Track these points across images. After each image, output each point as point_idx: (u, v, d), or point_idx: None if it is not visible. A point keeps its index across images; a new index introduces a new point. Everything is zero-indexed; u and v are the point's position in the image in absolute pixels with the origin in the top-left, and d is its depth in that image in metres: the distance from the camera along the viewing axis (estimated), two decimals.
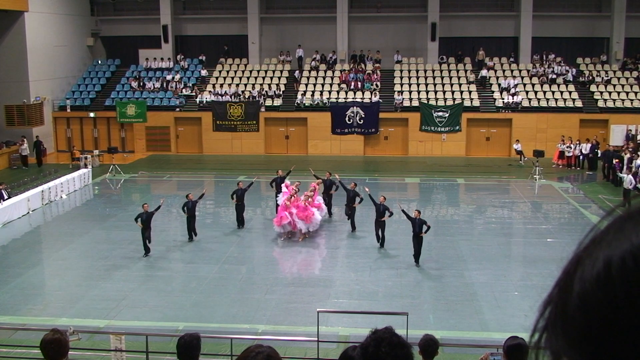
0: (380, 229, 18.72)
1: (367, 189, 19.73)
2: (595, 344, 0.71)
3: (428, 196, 27.25)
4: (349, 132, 35.01)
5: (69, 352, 5.25)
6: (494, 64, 38.72)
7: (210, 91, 37.58)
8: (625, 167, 26.63)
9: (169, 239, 19.67)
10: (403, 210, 17.72)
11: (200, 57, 40.40)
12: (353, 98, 36.56)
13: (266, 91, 37.41)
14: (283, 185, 21.39)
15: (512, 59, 38.90)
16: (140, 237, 18.33)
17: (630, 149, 28.29)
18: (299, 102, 36.73)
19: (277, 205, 20.93)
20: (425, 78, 38.06)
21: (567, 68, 37.60)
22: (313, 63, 39.14)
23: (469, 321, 14.14)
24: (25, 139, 32.87)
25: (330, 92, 37.38)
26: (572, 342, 0.74)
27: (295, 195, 19.91)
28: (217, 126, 35.34)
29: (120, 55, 41.41)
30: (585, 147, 31.40)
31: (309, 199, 19.79)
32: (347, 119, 34.85)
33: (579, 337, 0.73)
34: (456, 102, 35.36)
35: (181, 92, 37.94)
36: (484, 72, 37.26)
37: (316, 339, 11.60)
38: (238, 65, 40.09)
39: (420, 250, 17.28)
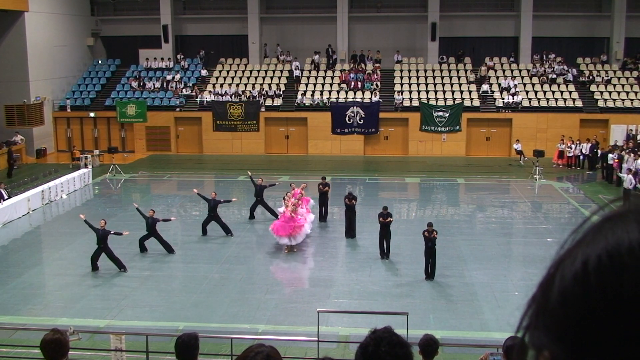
0: (385, 239, 18.04)
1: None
2: (574, 337, 0.77)
3: (428, 196, 27.25)
4: (349, 132, 35.03)
5: (69, 352, 5.25)
6: (494, 64, 38.71)
7: (210, 91, 37.57)
8: (625, 166, 26.59)
9: (168, 239, 19.61)
10: (424, 234, 16.47)
11: (200, 54, 40.35)
12: (353, 98, 36.55)
13: (266, 91, 37.40)
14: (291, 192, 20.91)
15: (512, 59, 38.88)
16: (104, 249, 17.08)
17: (629, 149, 28.26)
18: (299, 102, 36.72)
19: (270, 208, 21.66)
20: (425, 78, 38.05)
21: (567, 68, 37.58)
22: (315, 59, 39.12)
23: (469, 321, 14.14)
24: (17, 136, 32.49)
25: (330, 92, 37.37)
26: (553, 335, 0.79)
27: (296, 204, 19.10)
28: (217, 126, 35.36)
29: (120, 55, 41.39)
30: (585, 147, 31.40)
31: (295, 208, 18.77)
32: (347, 118, 34.87)
33: (559, 330, 0.79)
34: (456, 102, 35.36)
35: (181, 92, 37.93)
36: (484, 87, 36.79)
37: (316, 339, 11.61)
38: (238, 65, 40.09)
39: (435, 267, 16.43)
